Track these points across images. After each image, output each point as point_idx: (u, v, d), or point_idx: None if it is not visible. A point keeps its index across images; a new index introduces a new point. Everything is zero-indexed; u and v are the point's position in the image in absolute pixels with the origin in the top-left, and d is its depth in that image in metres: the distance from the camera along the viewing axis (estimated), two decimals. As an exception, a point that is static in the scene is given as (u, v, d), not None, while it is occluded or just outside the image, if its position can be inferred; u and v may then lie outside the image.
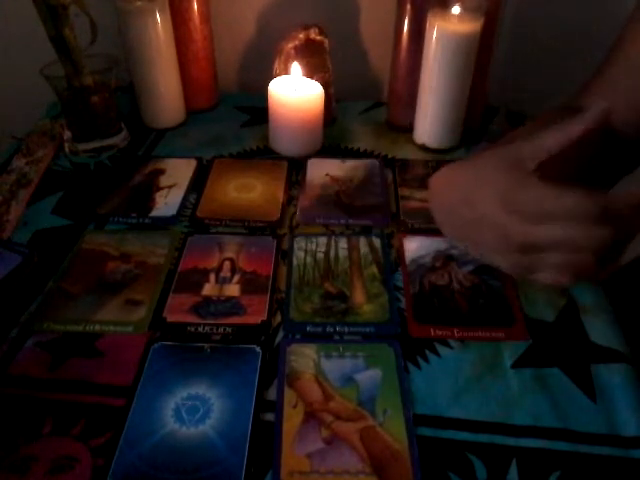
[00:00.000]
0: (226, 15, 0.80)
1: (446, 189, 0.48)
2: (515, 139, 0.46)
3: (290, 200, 0.63)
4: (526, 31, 0.78)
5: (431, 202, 0.50)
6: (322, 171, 0.66)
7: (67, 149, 0.69)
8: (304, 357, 0.45)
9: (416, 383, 0.44)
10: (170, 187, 0.64)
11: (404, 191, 0.64)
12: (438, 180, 0.49)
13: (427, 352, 0.46)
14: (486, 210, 0.41)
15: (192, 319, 0.48)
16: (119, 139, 0.70)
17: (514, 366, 0.45)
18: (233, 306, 0.49)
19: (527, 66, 0.81)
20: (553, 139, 0.39)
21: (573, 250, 0.37)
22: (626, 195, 0.35)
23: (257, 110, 0.76)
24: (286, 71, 0.69)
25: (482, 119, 0.75)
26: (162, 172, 0.66)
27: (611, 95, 0.51)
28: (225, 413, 0.41)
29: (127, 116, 0.75)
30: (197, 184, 0.65)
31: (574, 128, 0.38)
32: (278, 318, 0.49)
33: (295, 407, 0.41)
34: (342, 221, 0.59)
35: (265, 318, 0.48)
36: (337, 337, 0.47)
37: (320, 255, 0.55)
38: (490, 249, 0.44)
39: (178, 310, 0.49)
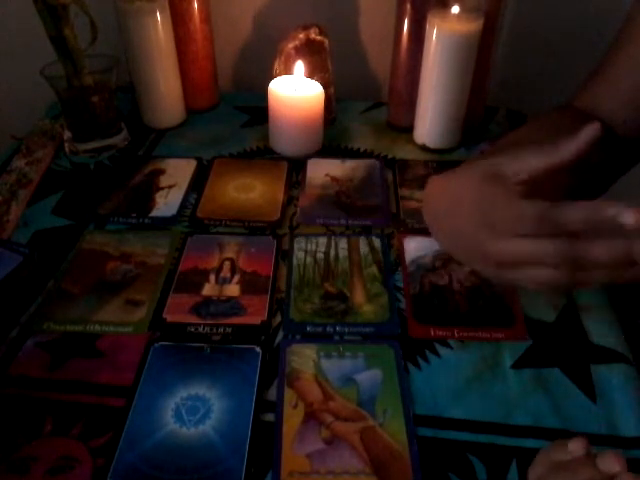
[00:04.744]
0: (226, 15, 0.80)
1: (436, 195, 0.48)
2: (504, 148, 0.46)
3: (290, 200, 0.63)
4: (526, 31, 0.78)
5: (423, 205, 0.50)
6: (322, 171, 0.66)
7: (67, 149, 0.69)
8: (304, 357, 0.45)
9: (416, 383, 0.44)
10: (170, 187, 0.64)
11: (404, 191, 0.64)
12: (432, 184, 0.49)
13: (427, 352, 0.46)
14: (465, 223, 0.41)
15: (192, 319, 0.48)
16: (119, 139, 0.70)
17: (514, 366, 0.45)
18: (233, 306, 0.49)
19: (527, 66, 0.81)
20: (537, 162, 0.38)
21: (542, 265, 0.36)
22: (578, 208, 0.34)
23: (257, 110, 0.76)
24: (286, 71, 0.69)
25: (482, 119, 0.75)
26: (162, 172, 0.66)
27: (612, 94, 0.51)
28: (225, 413, 0.41)
29: (127, 116, 0.75)
30: (197, 184, 0.65)
31: (561, 153, 0.37)
32: (278, 318, 0.49)
33: (295, 407, 0.42)
34: (342, 221, 0.59)
35: (265, 318, 0.48)
36: (337, 337, 0.47)
37: (320, 255, 0.55)
38: (469, 260, 0.43)
39: (178, 310, 0.49)
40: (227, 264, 0.54)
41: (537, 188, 0.38)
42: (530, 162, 0.38)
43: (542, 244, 0.35)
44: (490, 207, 0.39)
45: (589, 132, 0.36)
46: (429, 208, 0.49)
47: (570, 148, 0.37)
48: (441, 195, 0.47)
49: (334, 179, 0.65)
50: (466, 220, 0.40)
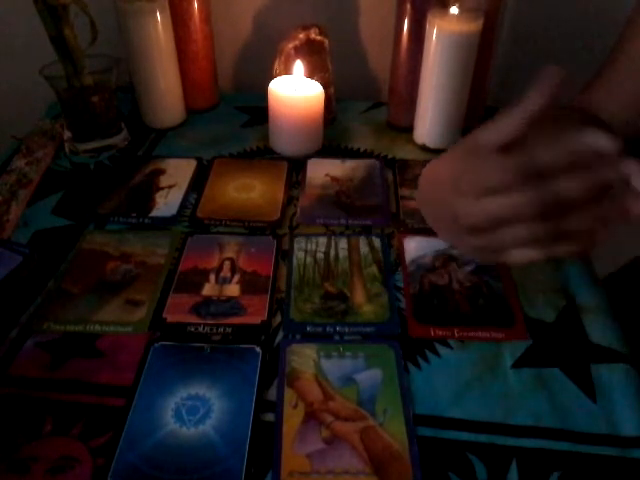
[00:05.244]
0: (226, 15, 0.80)
1: (424, 175, 0.48)
2: None
3: (290, 200, 0.63)
4: (526, 31, 0.78)
5: (418, 187, 0.50)
6: (322, 171, 0.66)
7: (67, 149, 0.69)
8: (304, 357, 0.45)
9: (416, 383, 0.44)
10: (170, 187, 0.64)
11: (404, 191, 0.64)
12: (427, 168, 0.49)
13: (427, 352, 0.46)
14: (440, 194, 0.41)
15: (192, 319, 0.48)
16: (119, 139, 0.70)
17: (514, 366, 0.45)
18: (233, 306, 0.49)
19: (527, 66, 0.81)
20: (506, 121, 0.36)
21: (517, 222, 0.36)
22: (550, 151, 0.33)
23: (257, 110, 0.76)
24: (286, 71, 0.69)
25: (482, 119, 0.75)
26: (162, 172, 0.66)
27: (613, 96, 0.51)
28: (225, 413, 0.41)
29: (127, 116, 0.75)
30: (197, 184, 0.65)
31: (527, 106, 0.35)
32: (278, 318, 0.49)
33: (295, 407, 0.42)
34: (342, 221, 0.59)
35: (265, 318, 0.48)
36: (337, 337, 0.47)
37: (320, 255, 0.55)
38: (449, 234, 0.43)
39: (178, 310, 0.49)
40: (227, 264, 0.54)
41: None
42: (500, 124, 0.37)
43: (513, 196, 0.34)
44: (461, 172, 0.39)
45: (546, 82, 0.35)
46: (420, 187, 0.49)
47: (534, 99, 0.35)
48: (429, 174, 0.47)
49: (334, 179, 0.65)
50: (442, 189, 0.40)
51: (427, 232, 0.56)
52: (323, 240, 0.57)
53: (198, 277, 0.52)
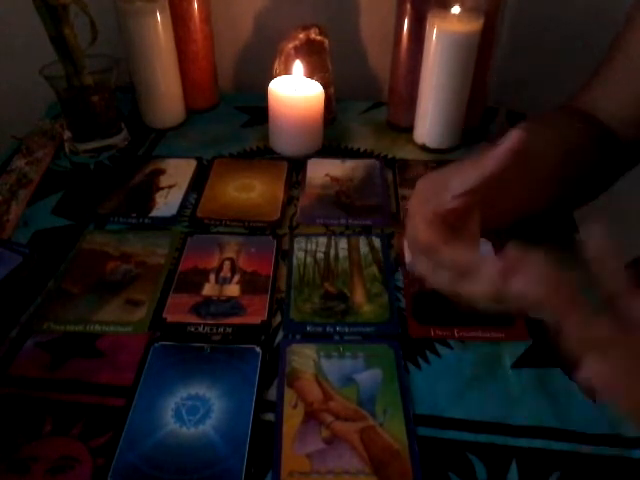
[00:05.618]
0: (226, 15, 0.80)
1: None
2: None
3: (290, 200, 0.63)
4: (526, 31, 0.78)
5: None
6: (322, 171, 0.66)
7: (67, 149, 0.69)
8: (304, 357, 0.45)
9: (416, 383, 0.44)
10: (170, 187, 0.64)
11: (404, 191, 0.64)
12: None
13: (427, 352, 0.46)
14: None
15: (192, 319, 0.48)
16: (119, 139, 0.70)
17: (514, 366, 0.45)
18: (233, 306, 0.49)
19: (527, 66, 0.81)
20: (475, 176, 0.36)
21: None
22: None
23: (257, 110, 0.76)
24: (286, 71, 0.69)
25: (482, 119, 0.75)
26: (162, 172, 0.66)
27: (610, 95, 0.51)
28: (225, 413, 0.41)
29: (127, 116, 0.75)
30: (197, 184, 0.65)
31: (487, 165, 0.35)
32: (278, 318, 0.49)
33: (295, 407, 0.41)
34: (342, 221, 0.59)
35: (265, 318, 0.48)
36: (337, 337, 0.47)
37: (320, 255, 0.55)
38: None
39: (178, 310, 0.49)
40: (227, 264, 0.54)
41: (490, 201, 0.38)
42: (470, 176, 0.37)
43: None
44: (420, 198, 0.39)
45: (509, 142, 0.34)
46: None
47: (492, 161, 0.35)
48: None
49: (334, 179, 0.65)
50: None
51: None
52: (323, 240, 0.57)
53: (198, 277, 0.52)
